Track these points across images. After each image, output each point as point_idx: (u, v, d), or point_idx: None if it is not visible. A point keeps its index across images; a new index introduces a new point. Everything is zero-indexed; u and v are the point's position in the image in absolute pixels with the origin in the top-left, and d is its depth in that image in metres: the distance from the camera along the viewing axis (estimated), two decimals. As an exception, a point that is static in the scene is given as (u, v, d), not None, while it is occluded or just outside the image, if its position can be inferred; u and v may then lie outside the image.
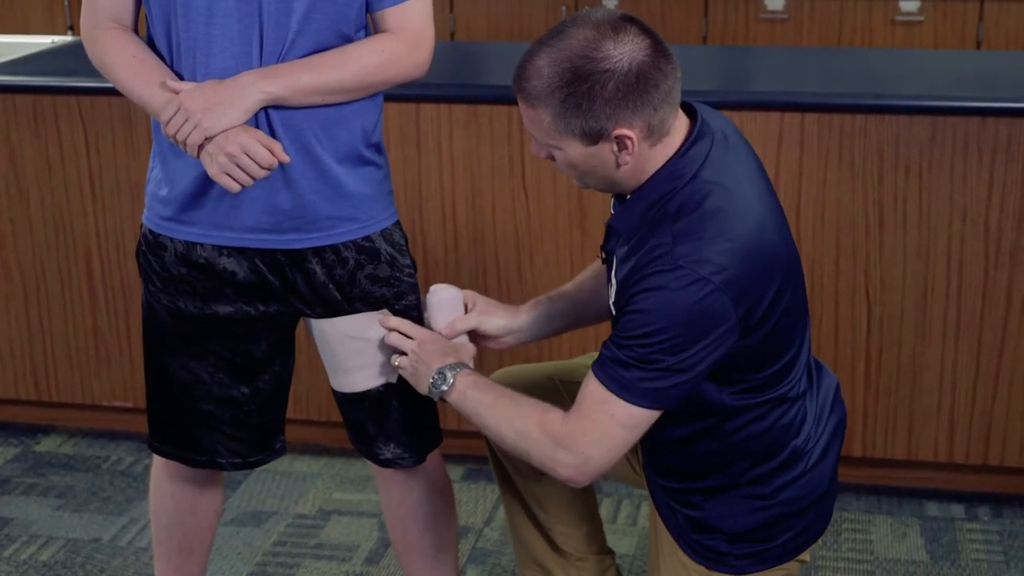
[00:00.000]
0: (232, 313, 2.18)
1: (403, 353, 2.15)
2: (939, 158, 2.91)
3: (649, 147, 1.88)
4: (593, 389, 1.90)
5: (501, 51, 3.95)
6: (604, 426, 1.89)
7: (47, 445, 3.53)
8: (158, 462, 2.38)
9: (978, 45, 4.83)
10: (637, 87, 1.81)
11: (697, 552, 2.09)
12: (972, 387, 3.05)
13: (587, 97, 1.81)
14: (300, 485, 3.30)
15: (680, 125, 1.92)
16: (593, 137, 1.84)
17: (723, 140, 1.94)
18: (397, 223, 2.23)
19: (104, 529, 3.12)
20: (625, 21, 1.84)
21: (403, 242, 2.22)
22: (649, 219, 1.89)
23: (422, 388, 2.11)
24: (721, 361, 1.88)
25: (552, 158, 1.93)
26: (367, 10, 2.08)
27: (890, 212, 2.96)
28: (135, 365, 3.37)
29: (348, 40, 2.06)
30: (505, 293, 3.17)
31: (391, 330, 2.16)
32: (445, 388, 2.05)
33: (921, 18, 4.84)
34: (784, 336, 1.97)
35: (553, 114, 1.84)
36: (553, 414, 1.96)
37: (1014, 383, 3.03)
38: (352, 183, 2.12)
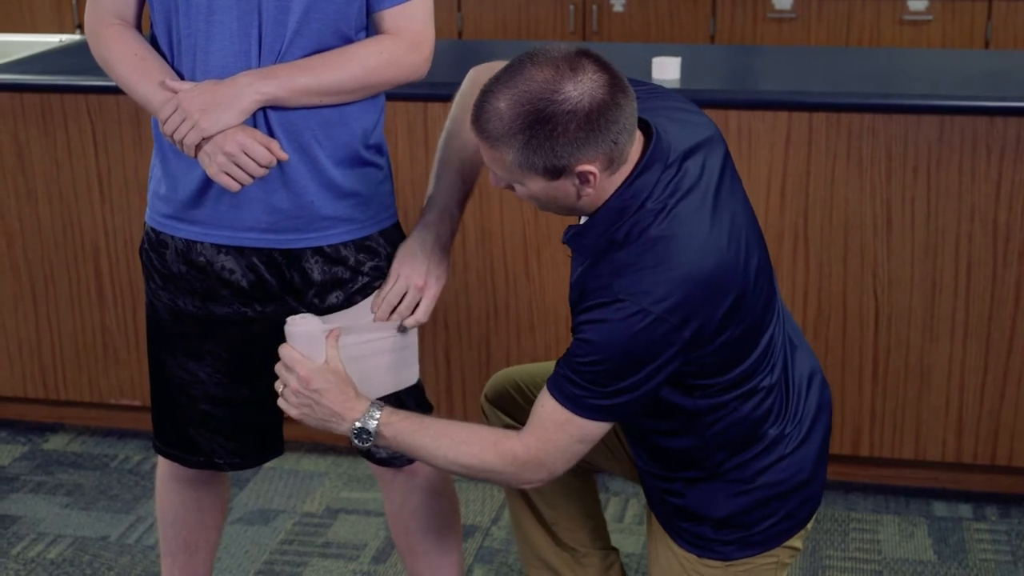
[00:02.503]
0: (230, 314, 2.18)
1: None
2: (947, 157, 2.91)
3: (608, 176, 1.89)
4: (550, 409, 1.95)
5: (508, 50, 3.94)
6: (563, 443, 1.97)
7: (55, 443, 3.53)
8: (163, 460, 2.39)
9: (986, 44, 4.82)
10: (598, 124, 1.81)
11: (685, 540, 2.13)
12: (980, 387, 3.04)
13: (549, 138, 1.81)
14: (307, 484, 3.30)
15: (636, 149, 1.92)
16: (555, 173, 1.85)
17: (678, 159, 1.93)
18: (397, 224, 2.22)
19: (112, 527, 3.12)
20: (581, 57, 1.83)
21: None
22: (601, 245, 1.92)
23: (325, 429, 2.06)
24: (677, 374, 1.93)
25: (511, 188, 1.94)
26: (368, 11, 2.08)
27: (898, 211, 2.96)
28: (143, 363, 3.38)
29: (348, 40, 2.06)
30: (512, 292, 3.17)
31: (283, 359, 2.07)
32: (372, 440, 2.02)
33: (929, 17, 4.83)
34: (747, 339, 1.98)
35: (515, 154, 1.84)
36: (507, 442, 1.99)
37: (1022, 383, 3.03)
38: (350, 184, 2.11)
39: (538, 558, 2.45)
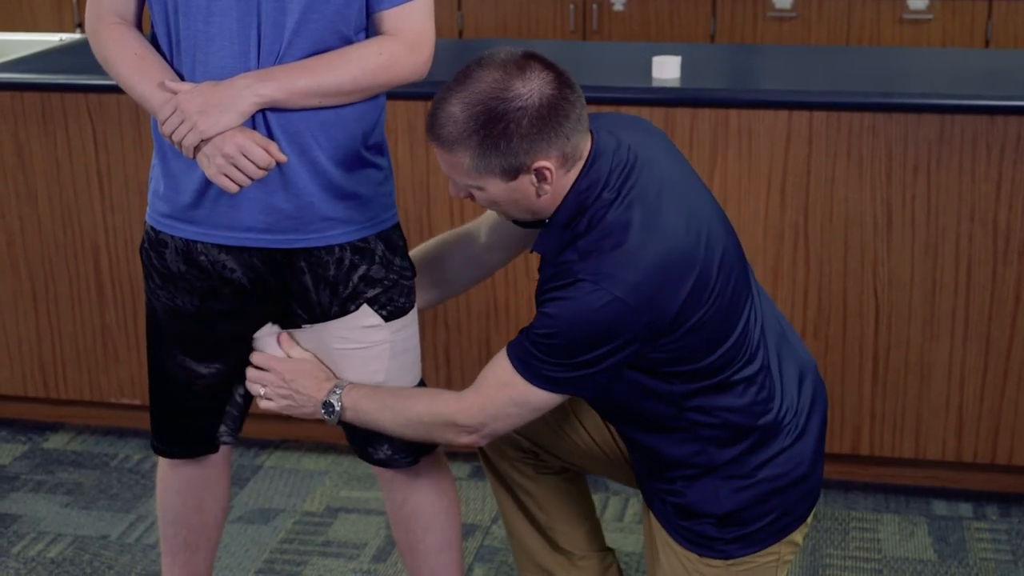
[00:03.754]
0: (228, 310, 2.19)
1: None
2: (947, 156, 2.91)
3: (565, 173, 1.94)
4: (499, 369, 2.02)
5: (509, 49, 3.95)
6: (500, 403, 2.03)
7: (55, 442, 3.53)
8: (163, 460, 2.39)
9: (986, 43, 4.82)
10: (549, 120, 1.87)
11: (687, 539, 2.13)
12: (980, 386, 3.04)
13: (504, 136, 1.86)
14: (308, 482, 3.30)
15: (587, 146, 1.98)
16: (513, 173, 1.90)
17: (626, 153, 1.99)
18: (396, 225, 2.22)
19: (112, 526, 3.12)
20: (528, 58, 1.90)
21: (401, 244, 2.22)
22: (564, 239, 1.97)
23: (307, 416, 2.20)
24: (641, 359, 1.96)
25: (471, 197, 1.99)
26: (367, 12, 2.07)
27: (898, 210, 2.96)
28: (143, 362, 3.37)
29: (348, 41, 2.06)
30: (513, 290, 3.17)
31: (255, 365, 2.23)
32: (338, 414, 2.15)
33: (929, 16, 4.83)
34: (715, 329, 1.99)
35: (472, 156, 1.89)
36: (443, 397, 2.10)
37: (1022, 382, 3.03)
38: (350, 185, 2.11)
39: (534, 563, 2.45)
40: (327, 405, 2.14)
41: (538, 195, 1.94)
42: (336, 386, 2.15)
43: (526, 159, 1.88)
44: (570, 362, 1.94)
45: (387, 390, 2.17)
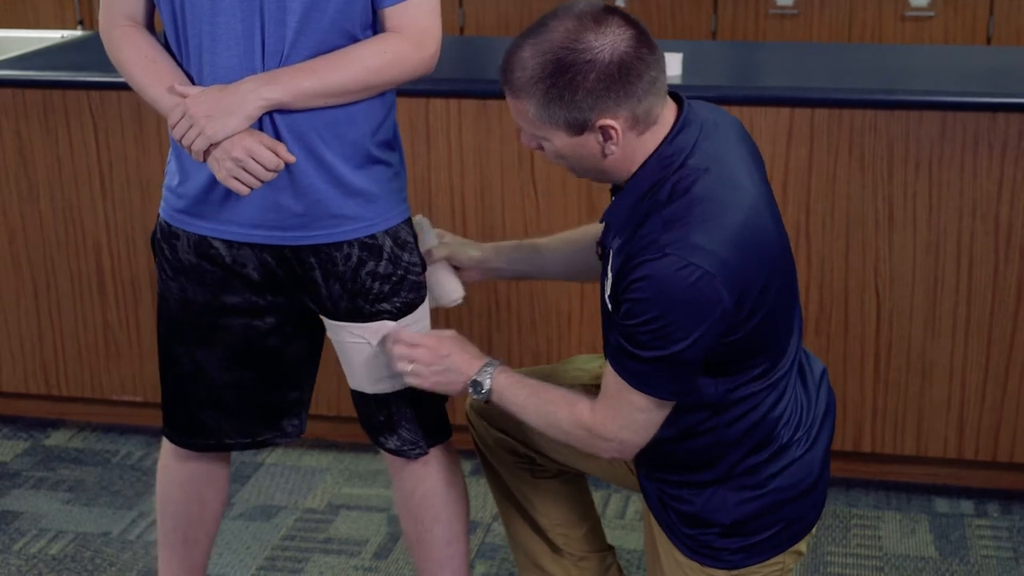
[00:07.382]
0: (240, 303, 2.20)
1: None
2: (949, 154, 2.91)
3: (636, 136, 1.89)
4: (611, 380, 1.95)
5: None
6: (627, 414, 1.96)
7: (57, 439, 3.54)
8: (166, 452, 2.40)
9: (988, 40, 4.82)
10: (619, 78, 1.82)
11: (691, 548, 2.10)
12: (982, 383, 3.04)
13: (569, 88, 1.82)
14: (309, 479, 3.30)
15: (669, 113, 1.92)
16: (578, 128, 1.86)
17: (713, 128, 1.95)
18: (406, 221, 2.22)
19: (114, 523, 3.12)
20: (607, 13, 1.85)
21: (411, 240, 2.22)
22: (641, 209, 1.90)
23: (454, 392, 2.15)
24: (718, 351, 1.90)
25: (541, 148, 1.95)
26: (373, 8, 2.07)
27: (900, 208, 2.95)
28: (145, 359, 3.38)
29: (354, 39, 2.06)
30: (514, 288, 3.17)
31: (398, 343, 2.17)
32: (487, 395, 2.09)
33: (931, 13, 4.83)
34: (776, 324, 1.98)
35: (537, 105, 1.86)
36: (581, 405, 2.01)
37: (1024, 379, 3.03)
38: (358, 182, 2.12)
39: (534, 565, 2.44)
40: (476, 384, 2.08)
41: (604, 155, 1.89)
42: (488, 365, 2.09)
43: (591, 115, 1.84)
44: (669, 352, 1.85)
45: (531, 385, 2.08)
